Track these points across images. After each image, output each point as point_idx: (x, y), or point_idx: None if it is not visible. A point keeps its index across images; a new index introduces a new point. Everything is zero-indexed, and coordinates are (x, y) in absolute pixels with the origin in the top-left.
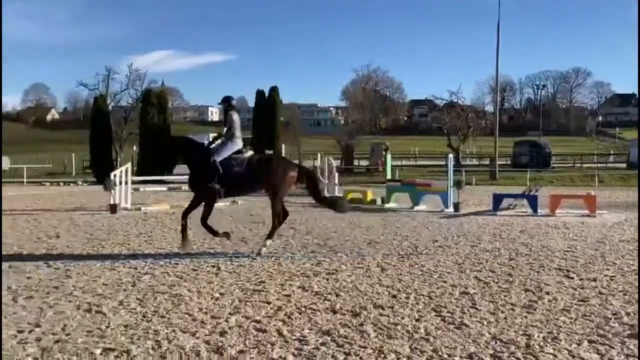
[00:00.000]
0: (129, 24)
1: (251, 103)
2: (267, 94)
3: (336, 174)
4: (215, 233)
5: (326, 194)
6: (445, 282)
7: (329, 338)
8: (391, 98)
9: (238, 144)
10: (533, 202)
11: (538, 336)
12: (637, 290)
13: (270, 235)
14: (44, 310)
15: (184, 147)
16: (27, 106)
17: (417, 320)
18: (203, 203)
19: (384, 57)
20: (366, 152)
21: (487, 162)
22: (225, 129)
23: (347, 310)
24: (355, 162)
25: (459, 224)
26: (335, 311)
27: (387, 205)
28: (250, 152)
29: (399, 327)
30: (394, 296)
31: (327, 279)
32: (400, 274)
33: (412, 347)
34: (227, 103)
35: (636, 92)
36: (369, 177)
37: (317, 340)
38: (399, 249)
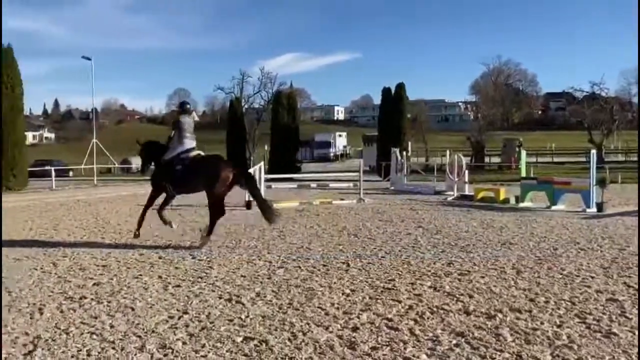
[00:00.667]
0: (260, 29)
1: (377, 100)
2: (393, 91)
3: (466, 172)
4: (165, 222)
5: (266, 198)
6: (589, 287)
7: (462, 340)
8: (524, 91)
9: (186, 144)
10: None
11: None
12: None
13: (208, 231)
14: (190, 299)
15: (150, 149)
16: (171, 110)
17: (558, 326)
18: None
19: (515, 48)
20: (498, 149)
21: (635, 159)
22: (173, 132)
23: (482, 313)
24: (487, 159)
25: (604, 225)
26: (468, 313)
27: (521, 205)
28: (197, 152)
29: (538, 333)
30: (532, 300)
31: (459, 280)
32: (538, 277)
33: (554, 354)
34: (180, 109)
35: None
36: (501, 175)
37: (451, 342)
38: (536, 250)
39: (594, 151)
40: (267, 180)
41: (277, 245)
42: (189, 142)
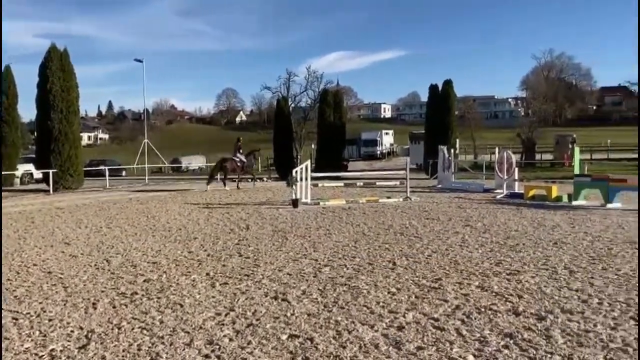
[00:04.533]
0: (307, 29)
1: (423, 98)
2: (440, 88)
3: (516, 169)
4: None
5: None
6: None
7: (511, 341)
8: (578, 86)
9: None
10: None
11: None
12: None
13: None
14: (237, 296)
15: None
16: (219, 110)
17: (612, 328)
18: None
19: (569, 42)
20: (550, 145)
21: None
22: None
23: (531, 314)
24: (538, 156)
25: None
26: (517, 313)
27: (574, 203)
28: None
29: (590, 335)
30: (585, 301)
31: (508, 280)
32: (592, 278)
33: (607, 357)
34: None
35: None
36: (554, 172)
37: (499, 343)
38: (590, 250)
39: None
40: (313, 178)
41: (323, 243)
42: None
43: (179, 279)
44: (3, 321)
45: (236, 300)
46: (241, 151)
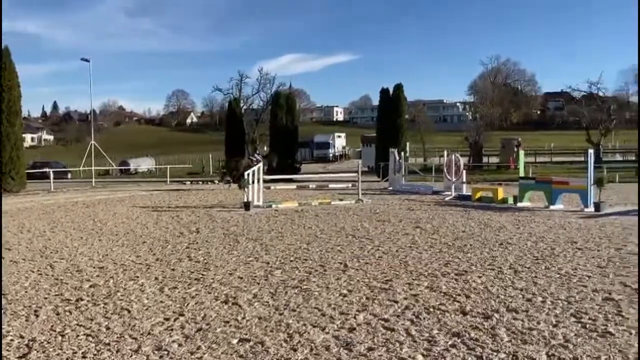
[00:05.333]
0: (259, 31)
1: (375, 101)
2: (391, 92)
3: (464, 172)
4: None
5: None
6: (585, 286)
7: (459, 340)
8: (523, 91)
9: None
10: None
11: None
12: None
13: None
14: (186, 300)
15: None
16: (169, 111)
17: (554, 325)
18: None
19: (515, 48)
20: (496, 149)
21: (633, 158)
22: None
23: (478, 313)
24: (485, 159)
25: (601, 224)
26: (465, 313)
27: (519, 204)
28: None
29: (534, 332)
30: (529, 300)
31: (456, 280)
32: (536, 277)
33: (550, 354)
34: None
35: None
36: (499, 175)
37: (447, 342)
38: (534, 250)
39: (591, 151)
40: (266, 181)
41: (275, 246)
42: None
43: (126, 284)
44: None
45: (186, 304)
46: (258, 152)
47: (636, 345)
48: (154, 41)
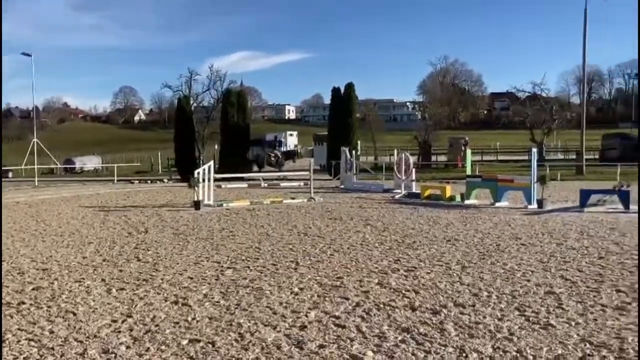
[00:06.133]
0: (210, 28)
1: (327, 100)
2: (342, 91)
3: (413, 170)
4: None
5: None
6: (529, 281)
7: (408, 335)
8: (470, 91)
9: None
10: (624, 197)
11: (633, 340)
12: None
13: None
14: (134, 302)
15: None
16: (116, 108)
17: (499, 319)
18: None
19: (462, 49)
20: (445, 147)
21: (574, 157)
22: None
23: (427, 308)
24: (434, 158)
25: (544, 221)
26: (414, 308)
27: (467, 202)
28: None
29: (480, 326)
30: (475, 294)
31: (406, 276)
32: (482, 272)
33: (495, 346)
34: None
35: None
36: (447, 173)
37: (397, 337)
38: (480, 246)
39: (534, 149)
40: (216, 179)
41: (226, 245)
42: None
43: (71, 286)
44: None
45: (134, 306)
46: (279, 144)
47: (575, 335)
48: (100, 36)
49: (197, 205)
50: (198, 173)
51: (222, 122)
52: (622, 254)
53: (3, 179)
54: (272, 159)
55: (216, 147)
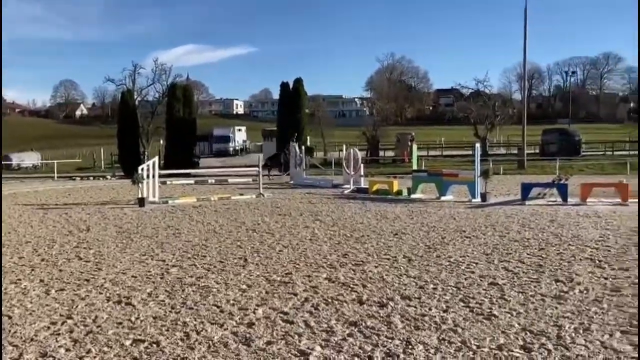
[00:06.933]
0: (155, 20)
1: (275, 95)
2: (291, 86)
3: (361, 165)
4: None
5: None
6: (473, 272)
7: (355, 329)
8: (416, 88)
9: None
10: (563, 190)
11: (569, 327)
12: None
13: None
14: (75, 302)
15: None
16: (56, 102)
17: (444, 311)
18: None
19: (409, 46)
20: (392, 143)
21: (515, 151)
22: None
23: (374, 302)
24: (381, 153)
25: (487, 214)
26: (362, 302)
27: (413, 196)
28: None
29: (426, 319)
30: (421, 287)
31: (354, 270)
32: (428, 265)
33: (440, 338)
34: None
35: None
36: (395, 168)
37: (344, 332)
38: (426, 239)
39: (478, 145)
40: (162, 176)
41: (171, 243)
42: None
43: (7, 288)
44: None
45: (74, 307)
46: (293, 141)
47: (516, 325)
48: (40, 28)
49: (141, 202)
50: (142, 169)
51: (168, 116)
52: (560, 245)
53: None
54: (288, 156)
55: (162, 142)
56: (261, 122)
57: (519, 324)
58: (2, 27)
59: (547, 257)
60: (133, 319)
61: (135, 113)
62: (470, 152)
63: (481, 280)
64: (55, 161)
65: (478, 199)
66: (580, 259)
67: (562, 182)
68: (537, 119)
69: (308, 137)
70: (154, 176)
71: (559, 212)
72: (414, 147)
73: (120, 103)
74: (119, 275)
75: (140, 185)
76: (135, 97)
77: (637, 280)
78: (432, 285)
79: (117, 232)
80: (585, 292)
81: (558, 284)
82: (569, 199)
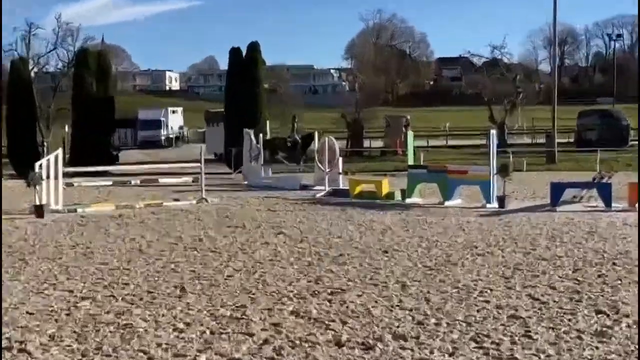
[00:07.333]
0: None
1: (223, 65)
2: (244, 54)
3: (340, 159)
4: None
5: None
6: (488, 302)
7: None
8: (412, 56)
9: None
10: (605, 192)
11: None
12: None
13: None
14: None
15: None
16: None
17: (450, 354)
18: None
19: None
20: (380, 129)
21: (543, 140)
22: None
23: (357, 343)
24: (366, 143)
25: (506, 223)
26: (340, 344)
27: (408, 200)
28: None
29: None
30: (420, 323)
31: (330, 301)
32: (428, 293)
33: None
34: None
35: None
36: (384, 163)
37: None
38: (426, 258)
39: (494, 132)
40: (67, 175)
41: (81, 267)
42: None
43: None
44: None
45: None
46: (295, 131)
47: None
48: None
49: (39, 211)
50: (41, 166)
51: (75, 93)
52: (602, 265)
53: None
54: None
55: (67, 128)
56: (203, 100)
57: None
58: (2, 27)
59: (585, 281)
60: None
61: (30, 89)
62: (483, 142)
63: (499, 313)
64: None
65: (494, 204)
66: (629, 283)
67: (604, 181)
68: (571, 97)
69: (267, 122)
70: (56, 176)
71: (600, 221)
72: (410, 134)
73: (9, 75)
74: (9, 312)
75: (37, 188)
76: (30, 67)
77: None
78: (434, 320)
79: (7, 252)
80: (634, 326)
81: (599, 316)
82: (613, 204)
